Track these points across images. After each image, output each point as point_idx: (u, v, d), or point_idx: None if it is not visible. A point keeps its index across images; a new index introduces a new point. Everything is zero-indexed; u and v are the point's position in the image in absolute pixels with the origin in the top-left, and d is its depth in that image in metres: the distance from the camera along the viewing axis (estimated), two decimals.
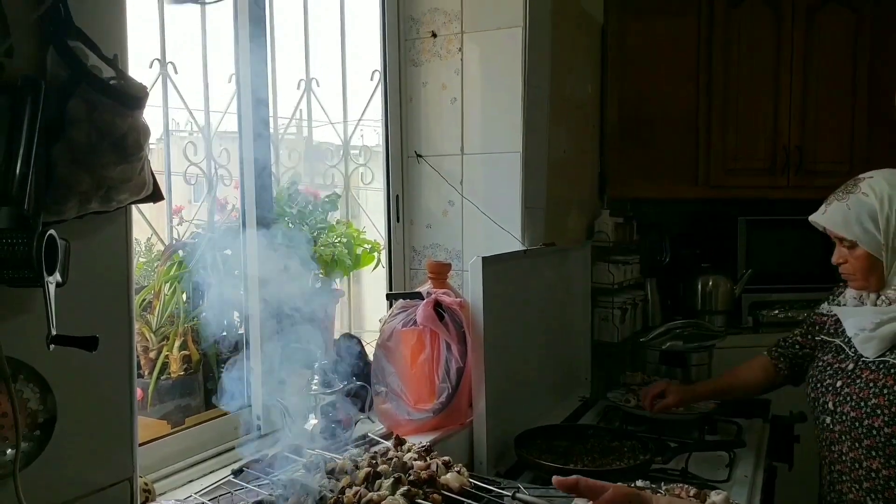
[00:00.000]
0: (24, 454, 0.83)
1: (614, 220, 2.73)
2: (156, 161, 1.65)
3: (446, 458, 1.38)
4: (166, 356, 1.74)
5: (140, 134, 0.85)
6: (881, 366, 1.62)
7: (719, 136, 2.94)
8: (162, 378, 1.73)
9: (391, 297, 2.05)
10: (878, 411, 1.58)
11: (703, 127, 2.94)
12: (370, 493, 1.18)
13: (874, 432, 1.59)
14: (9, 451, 0.81)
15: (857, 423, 1.63)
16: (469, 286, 1.86)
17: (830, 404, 1.72)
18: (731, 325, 3.16)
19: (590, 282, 2.67)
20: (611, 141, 2.84)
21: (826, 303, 1.93)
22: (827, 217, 1.77)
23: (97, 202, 0.85)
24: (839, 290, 1.89)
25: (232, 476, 1.43)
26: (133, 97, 0.83)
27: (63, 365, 0.89)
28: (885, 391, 1.58)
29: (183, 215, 1.97)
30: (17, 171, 0.77)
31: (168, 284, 1.81)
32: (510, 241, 2.13)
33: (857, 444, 1.63)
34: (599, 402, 2.52)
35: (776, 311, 3.22)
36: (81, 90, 0.80)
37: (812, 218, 1.83)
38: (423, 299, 1.87)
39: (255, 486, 1.33)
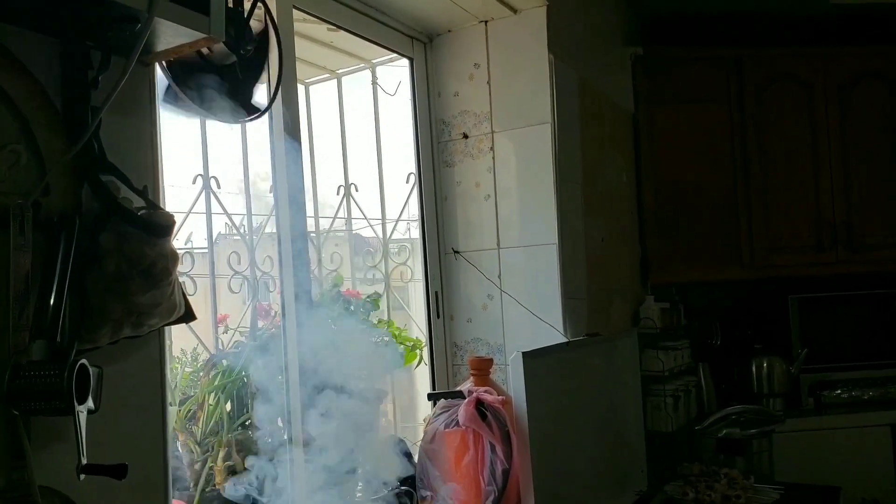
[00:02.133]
0: None
1: (660, 306, 2.68)
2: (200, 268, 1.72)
3: None
4: (211, 467, 1.74)
5: (168, 260, 0.88)
6: None
7: (760, 217, 2.90)
8: (207, 490, 1.73)
9: (432, 398, 2.03)
10: None
11: (742, 208, 2.91)
12: None
13: None
14: None
15: None
16: (511, 382, 1.83)
17: None
18: (790, 408, 3.02)
19: (639, 370, 2.60)
20: (650, 227, 2.83)
21: None
22: None
23: (129, 328, 0.87)
24: None
25: None
26: (161, 226, 0.87)
27: (96, 492, 0.90)
28: None
29: (228, 323, 2.02)
30: (52, 301, 0.81)
31: (212, 395, 1.83)
32: (552, 333, 2.10)
33: None
34: (657, 495, 2.41)
35: (839, 391, 3.07)
36: (113, 223, 0.84)
37: None
38: (465, 398, 1.84)
39: None
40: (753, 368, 3.03)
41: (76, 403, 0.79)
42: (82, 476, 0.80)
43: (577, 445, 2.15)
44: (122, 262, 0.84)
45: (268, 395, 1.88)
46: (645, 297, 2.69)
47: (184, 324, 0.98)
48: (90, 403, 0.83)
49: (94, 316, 0.85)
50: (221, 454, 1.76)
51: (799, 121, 2.95)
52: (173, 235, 0.90)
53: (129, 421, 0.95)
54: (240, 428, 1.82)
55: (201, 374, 1.85)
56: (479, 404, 1.82)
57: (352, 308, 2.15)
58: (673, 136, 2.88)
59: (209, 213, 1.74)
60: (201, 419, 1.77)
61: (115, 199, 0.86)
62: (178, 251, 0.95)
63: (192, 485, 1.71)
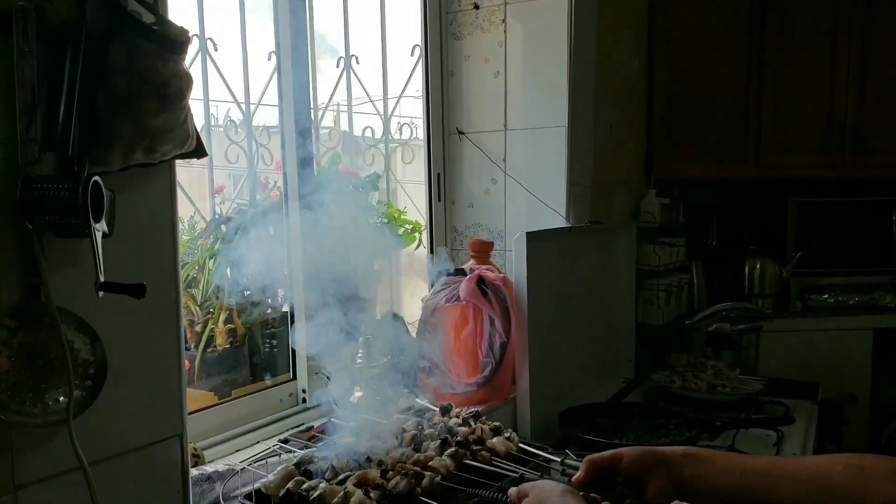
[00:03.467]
0: (77, 402, 0.83)
1: (660, 201, 2.67)
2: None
3: (496, 423, 1.36)
4: (212, 329, 1.75)
5: (182, 81, 0.84)
6: None
7: (770, 113, 2.84)
8: (208, 351, 1.74)
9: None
10: None
11: (753, 104, 2.84)
12: (417, 455, 1.16)
13: None
14: (61, 398, 0.81)
15: None
16: (513, 261, 1.83)
17: None
18: (778, 310, 3.06)
19: (635, 263, 2.61)
20: (658, 119, 2.77)
21: None
22: None
23: (141, 153, 0.84)
24: None
25: (279, 445, 1.42)
26: (174, 41, 0.82)
27: (110, 317, 0.88)
28: None
29: (225, 194, 1.99)
30: (61, 116, 0.77)
31: (212, 260, 1.82)
32: (554, 220, 2.09)
33: None
34: (644, 383, 2.47)
35: (826, 296, 3.12)
36: (122, 34, 0.79)
37: None
38: (466, 275, 1.85)
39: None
40: (746, 269, 3.06)
41: (92, 220, 0.76)
42: (101, 293, 0.78)
43: (571, 329, 2.18)
44: (134, 78, 0.80)
45: (268, 262, 1.87)
46: (647, 192, 2.66)
47: (195, 158, 0.95)
48: (104, 226, 0.80)
49: (104, 137, 0.81)
50: (222, 317, 1.77)
51: (822, 17, 2.83)
52: (187, 53, 0.85)
53: (142, 250, 0.92)
54: (240, 293, 1.82)
55: (199, 241, 1.83)
56: (481, 281, 1.82)
57: (350, 187, 2.11)
58: (689, 25, 2.77)
59: (205, 71, 1.65)
60: (202, 282, 1.76)
61: (124, 8, 0.80)
62: None
63: (192, 346, 1.72)
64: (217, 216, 1.88)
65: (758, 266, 3.05)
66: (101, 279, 0.78)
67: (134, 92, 0.80)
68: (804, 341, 2.92)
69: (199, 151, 0.95)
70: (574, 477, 0.90)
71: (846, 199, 3.06)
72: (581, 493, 0.85)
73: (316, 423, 1.68)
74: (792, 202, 3.10)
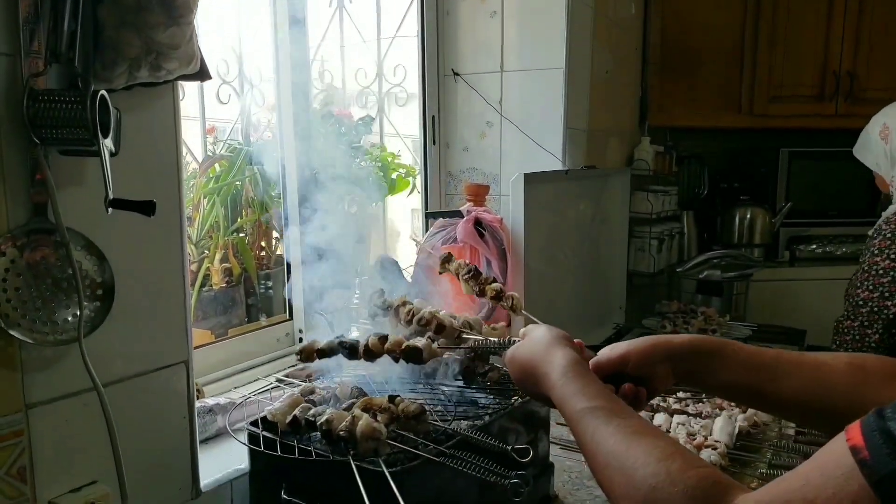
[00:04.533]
0: (88, 321, 0.82)
1: (654, 149, 2.66)
2: None
3: None
4: (207, 269, 1.74)
5: None
6: None
7: (765, 62, 2.83)
8: (204, 290, 1.73)
9: (431, 216, 2.02)
10: None
11: (748, 52, 2.82)
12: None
13: None
14: (70, 317, 0.81)
15: None
16: (510, 203, 1.83)
17: None
18: (767, 259, 3.10)
19: (628, 210, 2.62)
20: (653, 67, 2.75)
21: None
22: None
23: (146, 69, 0.81)
24: None
25: (277, 382, 1.43)
26: None
27: (116, 239, 0.87)
28: None
29: (217, 135, 1.95)
30: (65, 28, 0.74)
31: (206, 199, 1.80)
32: (550, 165, 2.07)
33: None
34: (634, 329, 2.50)
35: (814, 247, 3.15)
36: None
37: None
38: (463, 217, 1.84)
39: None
40: (737, 218, 3.08)
41: (100, 135, 0.74)
42: (110, 210, 0.77)
43: (565, 274, 2.20)
44: None
45: (263, 201, 1.85)
46: (641, 139, 2.66)
47: (199, 81, 0.92)
48: (111, 144, 0.79)
49: (110, 51, 0.78)
50: (218, 256, 1.76)
51: None
52: None
53: (147, 172, 0.91)
54: (234, 233, 1.81)
55: (192, 182, 1.81)
56: (478, 223, 1.82)
57: (343, 130, 2.09)
58: None
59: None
60: (196, 220, 1.75)
61: None
62: None
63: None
64: (209, 154, 1.85)
65: (748, 215, 3.07)
66: (111, 196, 0.76)
67: (140, 3, 0.77)
68: (792, 290, 2.96)
69: (202, 73, 0.93)
70: None
71: (837, 149, 3.07)
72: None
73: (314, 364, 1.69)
74: (783, 152, 3.11)
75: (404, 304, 1.33)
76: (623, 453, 0.66)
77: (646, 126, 2.72)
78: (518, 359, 0.91)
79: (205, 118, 1.80)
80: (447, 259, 1.48)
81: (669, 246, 2.82)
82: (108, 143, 0.77)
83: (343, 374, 1.47)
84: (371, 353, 1.19)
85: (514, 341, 0.98)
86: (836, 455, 0.53)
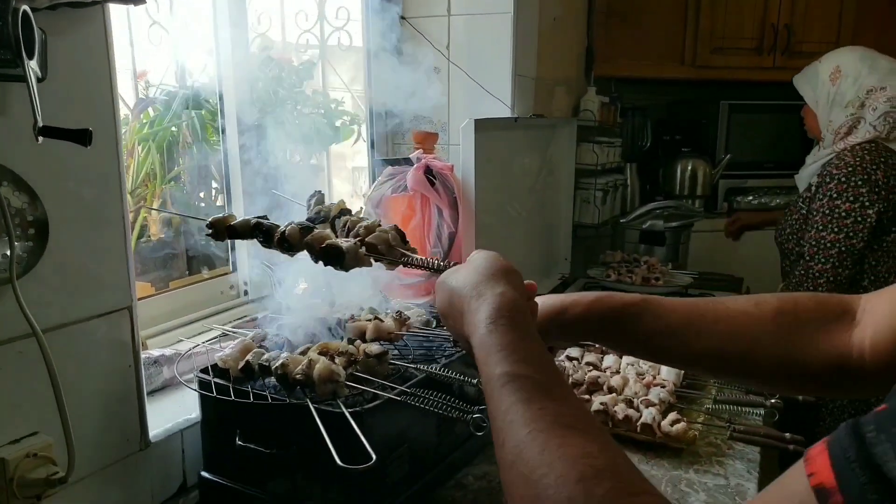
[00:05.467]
0: (21, 262, 0.75)
1: (600, 99, 2.66)
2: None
3: None
4: (144, 218, 1.66)
5: None
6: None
7: (708, 15, 2.85)
8: (141, 241, 1.65)
9: (385, 163, 1.97)
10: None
11: (692, 4, 2.84)
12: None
13: None
14: (0, 256, 0.74)
15: None
16: (461, 151, 1.79)
17: None
18: (707, 210, 3.17)
19: (574, 161, 2.62)
20: (599, 16, 2.73)
21: None
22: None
23: None
24: None
25: (225, 332, 1.38)
26: None
27: (49, 173, 0.81)
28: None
29: (149, 80, 1.85)
30: None
31: (141, 145, 1.70)
32: (498, 112, 2.05)
33: None
34: (579, 279, 2.52)
35: (750, 198, 3.23)
36: None
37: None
38: (413, 165, 1.80)
39: None
40: (678, 170, 3.13)
41: (25, 56, 0.67)
42: (40, 139, 0.70)
43: (513, 224, 2.19)
44: None
45: (201, 147, 1.77)
46: (587, 89, 2.65)
47: (132, 5, 0.85)
48: (37, 67, 0.72)
49: None
50: (156, 204, 1.68)
51: None
52: None
53: (79, 101, 0.84)
54: (172, 181, 1.72)
55: (125, 128, 1.71)
56: (428, 171, 1.78)
57: (283, 75, 2.00)
58: None
59: None
60: (132, 167, 1.66)
61: None
62: None
63: None
64: (142, 98, 1.75)
65: (689, 167, 3.12)
66: (40, 123, 0.70)
67: None
68: (730, 240, 3.03)
69: None
70: None
71: (773, 102, 3.13)
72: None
73: (260, 315, 1.64)
74: (724, 104, 3.16)
75: (341, 213, 1.10)
76: (535, 456, 0.48)
77: (591, 76, 2.71)
78: (447, 285, 0.73)
79: (134, 61, 1.69)
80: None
81: (613, 197, 2.84)
82: (33, 66, 0.70)
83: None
84: (287, 244, 0.98)
85: (455, 265, 0.81)
86: (792, 497, 0.37)
